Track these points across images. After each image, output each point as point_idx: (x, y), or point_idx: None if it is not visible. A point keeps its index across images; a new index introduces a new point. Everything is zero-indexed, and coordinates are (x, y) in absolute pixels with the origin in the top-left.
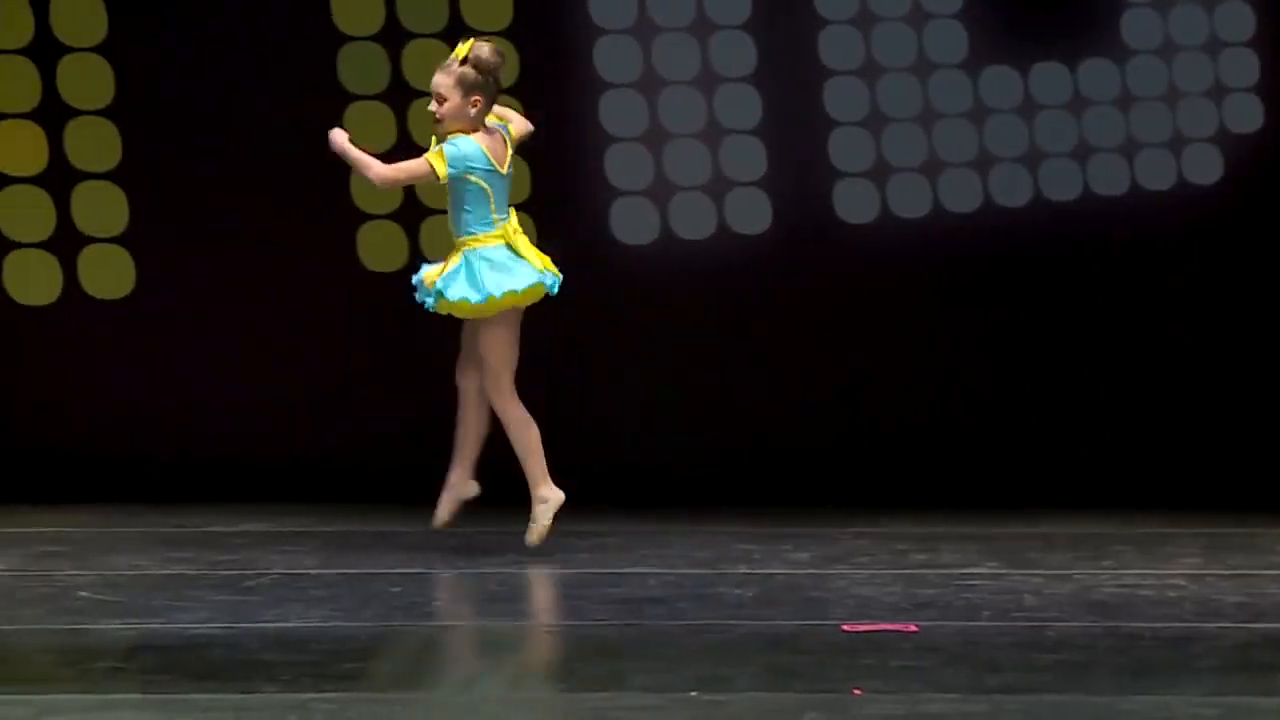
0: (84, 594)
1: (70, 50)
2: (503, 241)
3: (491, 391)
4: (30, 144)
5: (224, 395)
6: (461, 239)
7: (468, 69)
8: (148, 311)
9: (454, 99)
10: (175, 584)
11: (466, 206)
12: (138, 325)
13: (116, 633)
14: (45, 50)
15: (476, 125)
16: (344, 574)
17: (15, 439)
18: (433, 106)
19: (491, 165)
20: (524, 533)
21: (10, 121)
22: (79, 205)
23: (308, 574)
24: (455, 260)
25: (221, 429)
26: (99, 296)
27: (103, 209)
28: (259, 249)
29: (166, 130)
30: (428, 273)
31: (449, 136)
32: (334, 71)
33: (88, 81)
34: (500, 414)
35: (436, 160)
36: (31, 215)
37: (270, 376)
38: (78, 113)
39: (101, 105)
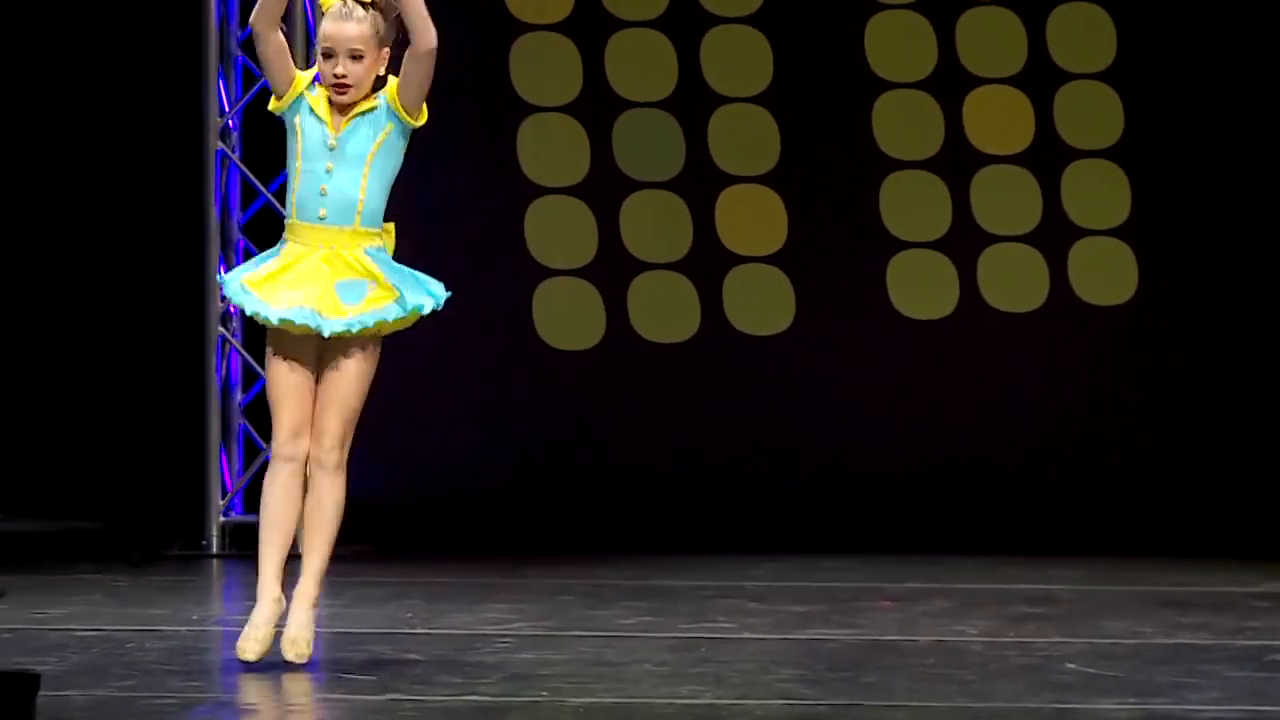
0: (1072, 666)
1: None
2: None
3: None
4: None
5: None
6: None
7: (377, 15)
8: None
9: (371, 55)
10: (1183, 656)
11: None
12: (1136, 336)
13: (1111, 714)
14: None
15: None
16: None
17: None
18: (340, 69)
19: None
20: None
21: (992, 87)
22: (1070, 188)
23: None
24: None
25: None
26: (1088, 300)
27: (1097, 194)
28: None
29: (1171, 100)
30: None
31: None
32: None
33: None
34: None
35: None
36: (1016, 202)
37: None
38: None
39: (1098, 69)
